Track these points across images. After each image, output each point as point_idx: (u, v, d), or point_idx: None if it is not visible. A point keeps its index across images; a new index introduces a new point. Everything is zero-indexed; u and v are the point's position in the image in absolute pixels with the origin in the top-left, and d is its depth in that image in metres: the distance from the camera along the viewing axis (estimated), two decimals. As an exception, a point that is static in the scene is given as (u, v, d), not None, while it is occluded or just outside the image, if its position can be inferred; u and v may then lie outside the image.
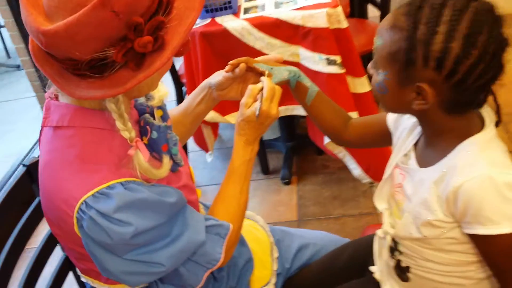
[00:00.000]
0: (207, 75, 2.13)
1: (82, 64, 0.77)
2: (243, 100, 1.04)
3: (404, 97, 0.87)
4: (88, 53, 0.76)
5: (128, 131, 0.85)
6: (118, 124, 0.84)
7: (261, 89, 1.04)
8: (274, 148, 2.62)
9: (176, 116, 1.21)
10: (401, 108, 0.92)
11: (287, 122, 2.51)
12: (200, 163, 2.65)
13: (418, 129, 1.00)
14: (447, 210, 0.89)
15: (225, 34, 2.01)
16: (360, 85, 2.07)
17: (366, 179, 2.21)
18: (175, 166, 0.96)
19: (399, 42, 0.83)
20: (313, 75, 2.00)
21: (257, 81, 1.13)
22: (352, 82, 2.04)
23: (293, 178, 2.46)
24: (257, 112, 1.01)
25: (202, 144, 2.33)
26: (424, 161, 0.96)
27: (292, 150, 2.56)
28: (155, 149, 0.92)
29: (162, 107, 1.01)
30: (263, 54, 2.00)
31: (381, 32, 0.88)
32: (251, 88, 1.05)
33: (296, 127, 2.62)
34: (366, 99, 2.07)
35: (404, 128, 1.05)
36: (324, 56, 1.95)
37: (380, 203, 1.10)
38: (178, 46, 0.79)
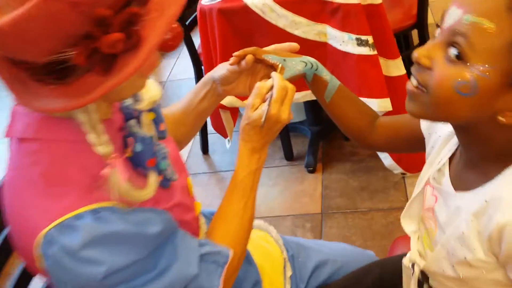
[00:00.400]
0: (225, 56, 1.97)
1: (38, 68, 0.62)
2: (249, 101, 0.88)
3: (498, 103, 0.67)
4: (42, 55, 0.60)
5: (102, 146, 0.70)
6: (90, 137, 0.69)
7: (271, 88, 0.87)
8: (299, 132, 2.45)
9: (176, 115, 1.05)
10: (469, 116, 0.70)
11: (313, 104, 2.32)
12: (220, 147, 2.51)
13: (455, 139, 0.81)
14: (489, 249, 0.72)
15: (245, 10, 1.83)
16: (395, 68, 1.87)
17: (398, 170, 2.03)
18: (166, 182, 0.81)
19: None
20: (342, 56, 1.81)
21: (268, 74, 0.96)
22: (385, 64, 1.84)
23: (318, 165, 2.29)
24: (263, 117, 0.84)
25: (221, 130, 2.18)
26: (461, 183, 0.77)
27: (318, 135, 2.37)
28: (139, 164, 0.77)
29: (154, 109, 0.85)
30: (287, 33, 1.82)
31: (489, 12, 0.64)
32: (259, 87, 0.88)
33: (323, 109, 2.42)
34: (401, 83, 1.86)
35: (439, 135, 0.86)
36: (354, 36, 1.75)
37: (408, 224, 0.93)
38: (158, 44, 0.63)
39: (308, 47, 1.84)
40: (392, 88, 1.84)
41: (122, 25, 0.60)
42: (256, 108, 0.87)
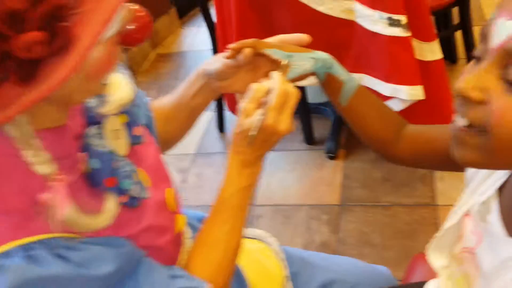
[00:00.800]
0: (242, 32, 1.81)
1: None
2: (242, 105, 0.73)
3: None
4: None
5: (42, 165, 0.56)
6: (26, 154, 0.56)
7: (269, 91, 0.72)
8: (321, 114, 2.28)
9: (167, 109, 0.92)
10: None
11: (339, 85, 2.15)
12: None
13: None
14: None
15: (265, -19, 1.65)
16: (430, 52, 1.67)
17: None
18: (133, 201, 0.67)
19: None
20: (371, 37, 1.62)
21: (272, 70, 0.80)
22: (419, 47, 1.65)
23: (340, 151, 2.13)
24: (254, 128, 0.69)
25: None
26: None
27: (341, 118, 2.20)
28: (96, 183, 0.63)
29: (128, 111, 0.71)
30: (310, 9, 1.64)
31: None
32: (254, 89, 0.72)
33: (349, 91, 2.25)
34: (436, 69, 1.67)
35: None
36: (385, 15, 1.56)
37: (437, 258, 0.77)
38: (93, 44, 0.49)
39: (333, 25, 1.66)
40: (426, 74, 1.65)
41: (43, 21, 0.46)
42: (250, 115, 0.72)
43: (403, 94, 1.63)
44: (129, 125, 0.71)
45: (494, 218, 0.64)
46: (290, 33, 1.78)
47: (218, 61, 0.81)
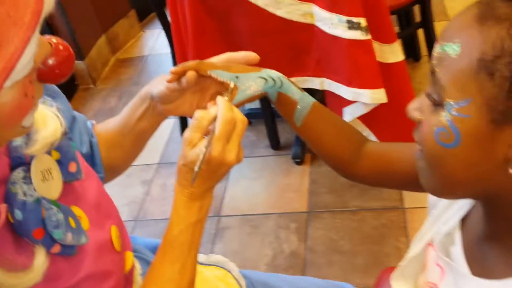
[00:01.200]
0: (199, 39, 1.75)
1: None
2: (186, 134, 0.67)
3: (494, 151, 0.50)
4: None
5: None
6: None
7: (214, 119, 0.67)
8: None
9: (111, 135, 0.86)
10: (473, 177, 0.53)
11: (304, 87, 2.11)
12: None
13: None
14: None
15: (220, -14, 1.59)
16: (391, 54, 1.63)
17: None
18: (69, 250, 0.61)
19: (503, 42, 0.47)
20: (331, 41, 1.58)
21: (221, 91, 0.75)
22: (380, 49, 1.61)
23: (307, 156, 2.09)
24: (199, 161, 0.64)
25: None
26: (480, 264, 0.58)
27: (307, 121, 2.16)
28: (24, 234, 0.57)
29: (60, 147, 0.65)
30: (268, 13, 1.59)
31: (456, 32, 0.51)
32: (198, 117, 0.67)
33: (314, 93, 2.21)
34: (398, 71, 1.64)
35: None
36: (344, 18, 1.52)
37: (401, 287, 0.73)
38: None
39: (292, 29, 1.61)
40: (388, 76, 1.62)
41: None
42: (195, 145, 0.66)
43: (366, 98, 1.59)
44: (62, 162, 0.65)
45: (458, 252, 0.60)
46: (248, 39, 1.73)
47: (161, 84, 0.76)
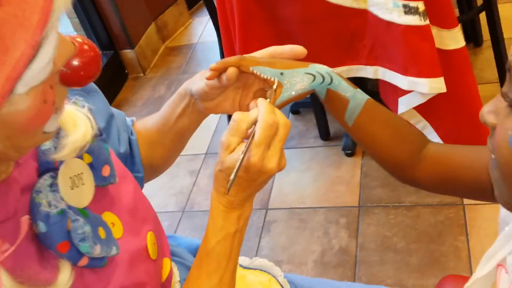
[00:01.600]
0: (246, 31, 1.68)
1: None
2: (224, 138, 0.62)
3: None
4: None
5: None
6: None
7: (254, 122, 0.61)
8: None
9: (151, 133, 0.82)
10: None
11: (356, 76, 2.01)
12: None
13: None
14: None
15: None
16: (451, 39, 1.51)
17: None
18: (98, 262, 0.57)
19: None
20: (385, 27, 1.48)
21: (264, 88, 0.70)
22: (439, 35, 1.50)
23: (358, 148, 2.00)
24: (236, 168, 0.59)
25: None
26: None
27: (359, 111, 2.07)
28: (49, 247, 0.53)
29: (92, 150, 0.61)
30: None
31: None
32: (237, 119, 0.61)
33: (367, 82, 2.11)
34: (459, 58, 1.52)
35: None
36: (400, 2, 1.41)
37: None
38: None
39: (344, 16, 1.52)
40: (447, 64, 1.50)
41: None
42: (233, 150, 0.61)
43: (423, 87, 1.49)
44: (95, 165, 0.61)
45: None
46: (297, 27, 1.65)
47: (201, 80, 0.71)
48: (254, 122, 0.61)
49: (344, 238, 1.71)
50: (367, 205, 1.79)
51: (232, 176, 0.58)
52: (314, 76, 0.67)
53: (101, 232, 0.57)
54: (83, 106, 0.61)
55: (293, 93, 0.67)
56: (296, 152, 2.06)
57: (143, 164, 0.83)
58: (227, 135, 0.61)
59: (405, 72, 1.50)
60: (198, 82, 0.72)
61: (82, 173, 0.59)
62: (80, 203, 0.57)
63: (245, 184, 0.61)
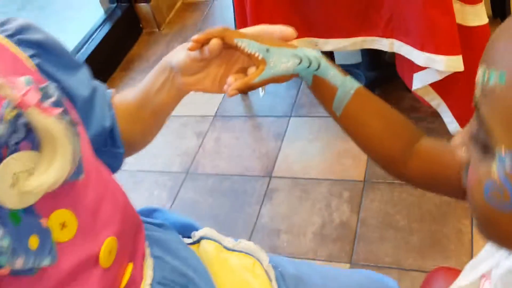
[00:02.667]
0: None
1: None
2: None
3: None
4: None
5: None
6: None
7: None
8: (351, 76, 2.08)
9: (130, 107, 0.77)
10: None
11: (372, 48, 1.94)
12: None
13: None
14: None
15: None
16: (474, 15, 1.44)
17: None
18: (25, 271, 0.51)
19: None
20: (404, 0, 1.41)
21: (250, 64, 0.67)
22: (461, 10, 1.42)
23: (369, 121, 1.95)
24: None
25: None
26: None
27: (373, 83, 2.01)
28: None
29: None
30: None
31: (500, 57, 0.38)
32: None
33: (384, 53, 2.04)
34: (480, 36, 1.45)
35: None
36: (422, -27, 1.34)
37: None
38: None
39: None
40: (468, 42, 1.43)
41: None
42: None
43: (440, 65, 1.43)
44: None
45: None
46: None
47: (182, 52, 0.67)
48: None
49: (346, 212, 1.69)
50: (372, 181, 1.76)
51: None
52: (301, 59, 0.63)
53: (33, 242, 0.51)
54: (64, 118, 0.53)
55: (276, 71, 0.63)
56: (306, 121, 2.02)
57: (122, 139, 0.79)
58: None
59: (422, 47, 1.44)
60: (179, 54, 0.68)
61: (33, 167, 0.51)
62: (21, 202, 0.51)
63: None
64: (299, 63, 0.63)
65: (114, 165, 0.77)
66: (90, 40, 2.57)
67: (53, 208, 0.55)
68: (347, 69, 2.07)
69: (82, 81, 0.70)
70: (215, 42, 0.62)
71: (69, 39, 2.63)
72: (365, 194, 1.72)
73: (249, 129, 2.09)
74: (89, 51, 2.49)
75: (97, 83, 0.75)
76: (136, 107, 0.75)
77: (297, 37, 1.32)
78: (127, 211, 0.67)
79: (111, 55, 2.61)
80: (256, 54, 0.63)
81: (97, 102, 0.72)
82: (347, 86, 0.64)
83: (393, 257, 1.54)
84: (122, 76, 2.54)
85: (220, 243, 0.88)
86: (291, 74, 0.63)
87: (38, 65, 0.64)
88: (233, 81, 0.66)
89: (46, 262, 0.52)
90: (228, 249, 0.89)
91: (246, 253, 0.87)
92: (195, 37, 0.63)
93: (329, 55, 1.89)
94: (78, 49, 2.52)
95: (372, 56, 1.99)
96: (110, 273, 0.61)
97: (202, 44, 0.63)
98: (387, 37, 1.53)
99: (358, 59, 2.06)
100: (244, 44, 0.63)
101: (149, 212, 0.90)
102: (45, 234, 0.53)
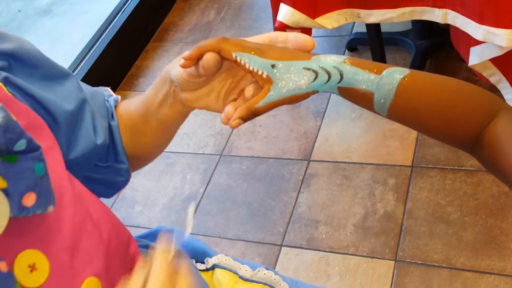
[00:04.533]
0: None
1: None
2: None
3: None
4: None
5: None
6: None
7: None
8: (399, 45, 1.88)
9: (133, 118, 0.68)
10: None
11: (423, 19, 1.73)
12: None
13: None
14: None
15: None
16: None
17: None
18: None
19: None
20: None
21: (258, 86, 0.55)
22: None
23: (419, 96, 1.76)
24: None
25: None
26: None
27: (425, 52, 1.81)
28: None
29: (7, 173, 0.46)
30: None
31: None
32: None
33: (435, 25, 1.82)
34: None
35: None
36: None
37: None
38: None
39: None
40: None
41: None
42: None
43: (500, 40, 1.22)
44: (11, 192, 0.45)
45: None
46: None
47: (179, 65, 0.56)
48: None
49: (391, 202, 1.54)
50: (422, 166, 1.59)
51: None
52: (316, 73, 0.51)
53: None
54: None
55: (285, 93, 0.51)
56: (348, 97, 1.85)
57: (127, 154, 0.69)
58: None
59: (480, 20, 1.24)
60: (177, 67, 0.57)
61: None
62: None
63: None
64: (315, 79, 0.51)
65: (118, 182, 0.70)
66: (122, 11, 2.46)
67: (17, 250, 0.46)
68: (394, 37, 1.88)
69: (66, 93, 0.61)
70: (209, 58, 0.52)
71: (99, 9, 2.54)
72: (413, 182, 1.56)
73: (287, 107, 1.94)
74: (121, 22, 2.39)
75: (92, 90, 0.66)
76: (139, 120, 0.66)
77: (337, 8, 1.11)
78: (113, 243, 0.57)
79: (144, 24, 2.49)
80: (259, 72, 0.51)
81: (86, 116, 0.63)
82: (385, 86, 0.51)
83: (443, 254, 1.39)
84: (155, 48, 2.43)
85: (236, 273, 0.79)
86: (307, 92, 0.52)
87: (5, 79, 0.54)
88: (232, 112, 0.55)
89: None
90: (245, 280, 0.79)
91: (265, 284, 0.76)
92: (186, 53, 0.53)
93: (374, 24, 1.69)
94: (110, 20, 2.42)
95: (423, 23, 1.77)
96: None
97: (194, 61, 0.53)
98: (440, 7, 1.33)
99: (407, 26, 1.85)
100: (244, 59, 0.51)
101: (158, 235, 0.81)
102: (5, 280, 0.45)
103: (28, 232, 0.47)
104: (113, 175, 0.69)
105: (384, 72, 0.51)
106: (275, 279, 0.76)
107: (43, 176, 0.48)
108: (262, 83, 0.53)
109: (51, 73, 0.60)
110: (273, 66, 0.51)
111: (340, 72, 0.51)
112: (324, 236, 1.52)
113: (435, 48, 1.83)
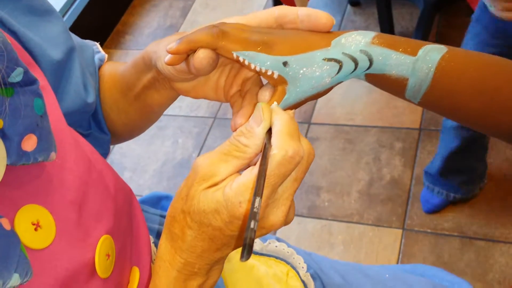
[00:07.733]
0: None
1: None
2: (205, 162, 0.40)
3: None
4: None
5: None
6: None
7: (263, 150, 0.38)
8: (407, 0, 1.76)
9: (115, 92, 0.57)
10: None
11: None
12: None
13: None
14: None
15: None
16: None
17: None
18: None
19: None
20: None
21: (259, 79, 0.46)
22: None
23: (427, 54, 1.65)
24: (249, 232, 0.33)
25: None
26: None
27: (433, 7, 1.69)
28: None
29: (3, 110, 0.37)
30: None
31: None
32: (240, 145, 0.40)
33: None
34: None
35: None
36: None
37: None
38: None
39: None
40: None
41: None
42: (216, 184, 0.39)
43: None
44: (8, 133, 0.37)
45: None
46: None
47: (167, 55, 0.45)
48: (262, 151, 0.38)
49: (398, 167, 1.45)
50: (430, 128, 1.49)
51: (248, 236, 0.32)
52: (340, 63, 0.42)
53: None
54: None
55: (304, 94, 0.42)
56: (351, 55, 1.74)
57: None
58: (215, 160, 0.39)
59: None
60: (163, 58, 0.45)
61: None
62: None
63: (223, 239, 0.39)
64: (339, 71, 0.41)
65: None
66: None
67: (20, 203, 0.39)
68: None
69: (52, 36, 0.52)
70: (202, 57, 0.41)
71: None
72: (421, 145, 1.47)
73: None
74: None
75: (80, 41, 0.57)
76: (120, 95, 0.56)
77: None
78: (120, 199, 0.49)
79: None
80: (269, 72, 0.41)
81: (75, 68, 0.53)
82: (423, 69, 0.42)
83: (453, 222, 1.31)
84: (143, 2, 2.28)
85: (244, 246, 0.69)
86: (331, 86, 0.43)
87: None
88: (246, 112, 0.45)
89: (14, 281, 0.35)
90: (255, 253, 0.70)
91: (277, 258, 0.67)
92: (172, 45, 0.42)
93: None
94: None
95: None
96: (111, 284, 0.45)
97: (186, 54, 0.42)
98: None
99: (415, -22, 1.72)
100: (248, 59, 0.41)
101: (156, 201, 0.74)
102: (8, 240, 0.36)
103: (27, 184, 0.39)
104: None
105: (420, 52, 0.43)
106: (288, 252, 0.67)
107: (43, 115, 0.39)
108: (274, 83, 0.43)
109: (35, 4, 0.51)
110: (285, 64, 0.41)
111: (369, 57, 0.42)
112: (326, 203, 1.43)
113: (444, 2, 1.71)
